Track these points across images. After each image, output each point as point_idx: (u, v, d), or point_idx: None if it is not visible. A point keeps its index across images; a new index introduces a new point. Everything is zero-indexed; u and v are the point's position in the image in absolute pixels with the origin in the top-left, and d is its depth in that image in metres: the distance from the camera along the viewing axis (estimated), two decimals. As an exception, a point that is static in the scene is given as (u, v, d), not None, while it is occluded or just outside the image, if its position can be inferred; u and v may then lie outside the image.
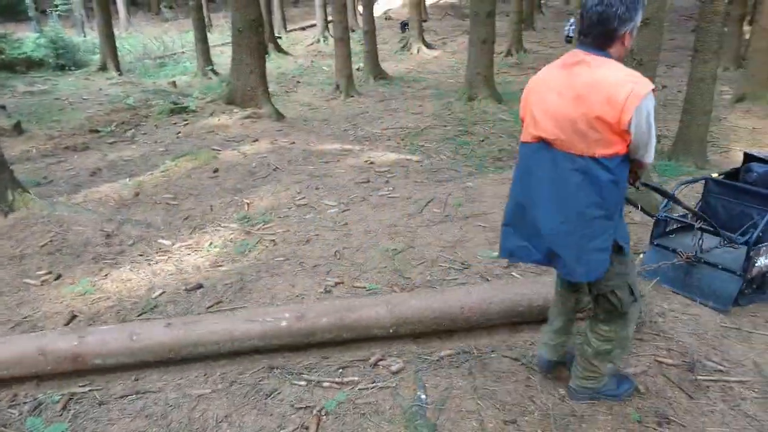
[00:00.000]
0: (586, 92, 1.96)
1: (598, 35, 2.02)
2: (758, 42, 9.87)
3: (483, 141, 8.21)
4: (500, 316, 2.99)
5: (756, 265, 3.16)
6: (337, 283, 3.55)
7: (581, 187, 2.02)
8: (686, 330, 2.99)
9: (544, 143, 2.10)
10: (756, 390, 2.57)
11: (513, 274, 3.58)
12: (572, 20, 17.34)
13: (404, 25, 19.17)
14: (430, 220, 4.35)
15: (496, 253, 3.87)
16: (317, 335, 2.80)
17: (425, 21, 21.97)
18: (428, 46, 17.54)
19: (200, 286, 3.56)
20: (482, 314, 2.95)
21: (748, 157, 3.77)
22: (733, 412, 2.45)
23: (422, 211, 4.50)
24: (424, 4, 23.18)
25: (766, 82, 10.01)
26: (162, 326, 2.72)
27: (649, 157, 2.07)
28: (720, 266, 3.25)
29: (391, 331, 2.86)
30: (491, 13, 9.92)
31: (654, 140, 2.02)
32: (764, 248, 3.16)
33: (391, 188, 5.16)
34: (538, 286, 3.07)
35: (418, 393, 2.51)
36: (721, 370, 2.71)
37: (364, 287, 3.46)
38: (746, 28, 14.52)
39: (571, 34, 17.12)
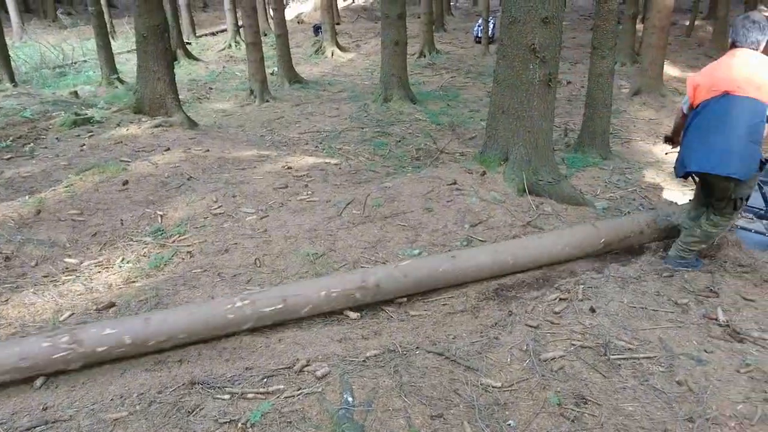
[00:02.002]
0: None
1: None
2: (650, 38, 10.52)
3: (400, 141, 8.30)
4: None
5: None
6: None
7: None
8: (599, 313, 3.14)
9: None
10: (662, 364, 2.73)
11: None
12: (480, 21, 17.87)
13: (317, 29, 19.07)
14: (351, 222, 4.35)
15: (417, 251, 3.93)
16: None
17: (338, 24, 21.96)
18: (342, 48, 17.55)
19: (112, 305, 3.40)
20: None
21: None
22: (643, 386, 2.59)
23: (342, 213, 4.50)
24: (336, 7, 23.18)
25: (658, 76, 10.70)
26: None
27: None
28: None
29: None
30: (402, 15, 10.04)
31: None
32: None
33: (310, 192, 5.12)
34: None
35: (345, 396, 2.50)
36: (630, 349, 2.86)
37: (286, 294, 3.41)
38: (639, 26, 15.47)
39: (479, 35, 17.64)
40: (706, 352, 2.81)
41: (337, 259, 3.85)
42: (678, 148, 3.69)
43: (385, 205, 4.56)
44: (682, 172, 3.56)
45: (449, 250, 3.85)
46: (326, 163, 6.37)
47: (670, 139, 4.00)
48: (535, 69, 4.67)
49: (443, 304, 3.36)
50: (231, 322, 2.96)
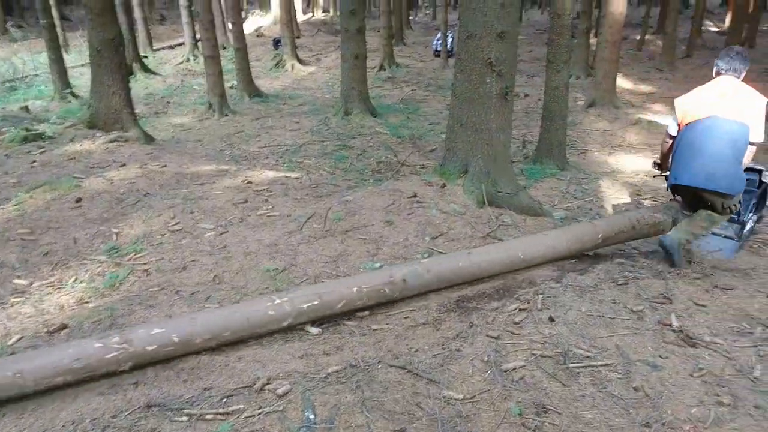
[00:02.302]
0: None
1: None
2: (602, 52, 10.83)
3: (361, 154, 8.30)
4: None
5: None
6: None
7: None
8: (558, 322, 3.19)
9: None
10: (619, 371, 2.79)
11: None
12: (439, 35, 18.13)
13: (277, 42, 19.01)
14: (311, 237, 4.32)
15: (378, 264, 3.93)
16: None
17: (298, 38, 21.96)
18: (302, 62, 17.53)
19: (65, 327, 3.29)
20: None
21: None
22: (602, 393, 2.64)
23: (302, 227, 4.46)
24: (296, 20, 23.20)
25: (612, 89, 11.01)
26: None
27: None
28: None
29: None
30: (361, 30, 10.09)
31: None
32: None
33: (270, 207, 5.07)
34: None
35: (306, 413, 2.47)
36: (589, 357, 2.91)
37: (246, 311, 3.36)
38: (593, 40, 15.92)
39: (438, 49, 17.88)
40: (661, 357, 2.88)
41: (298, 274, 3.82)
42: (667, 173, 4.16)
43: (346, 219, 4.55)
44: (672, 181, 3.98)
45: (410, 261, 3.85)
46: (287, 177, 6.32)
47: (658, 165, 4.43)
48: (492, 83, 4.75)
49: (405, 317, 3.35)
50: (272, 319, 3.09)
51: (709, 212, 3.94)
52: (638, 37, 20.65)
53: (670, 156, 4.10)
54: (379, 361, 2.91)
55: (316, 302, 3.17)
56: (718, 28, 25.66)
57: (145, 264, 4.08)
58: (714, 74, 3.95)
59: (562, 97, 7.29)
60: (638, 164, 7.98)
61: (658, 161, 4.39)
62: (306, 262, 3.95)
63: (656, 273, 3.88)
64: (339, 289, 3.27)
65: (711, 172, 3.71)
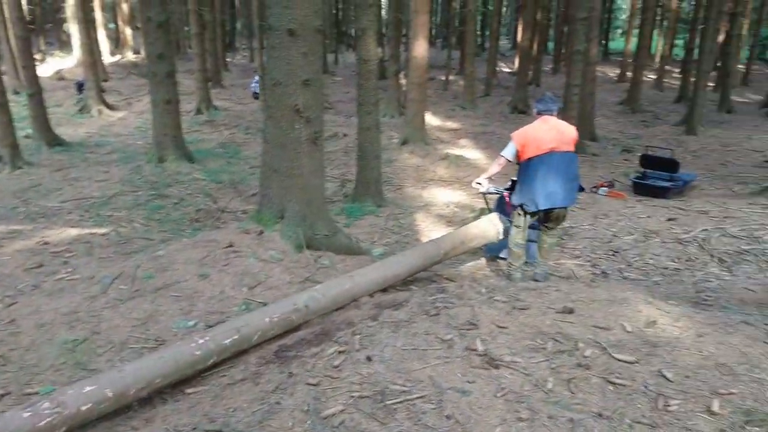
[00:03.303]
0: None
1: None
2: (411, 93, 11.63)
3: (178, 203, 7.95)
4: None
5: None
6: (2, 395, 3.00)
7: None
8: (375, 360, 3.26)
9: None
10: (432, 401, 2.91)
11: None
12: (257, 77, 18.13)
13: (80, 86, 17.61)
14: (117, 299, 4.00)
15: (192, 322, 3.74)
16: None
17: (105, 81, 20.64)
18: (111, 107, 16.45)
19: None
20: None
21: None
22: (417, 426, 2.73)
23: (108, 290, 4.12)
24: (102, 63, 21.79)
25: (422, 127, 11.82)
26: None
27: None
28: None
29: None
30: (171, 73, 9.76)
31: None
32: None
33: (70, 270, 4.62)
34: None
35: (108, 502, 2.24)
36: (405, 391, 3.00)
37: (37, 392, 3.00)
38: (403, 81, 17.00)
39: (257, 91, 17.86)
40: (469, 382, 3.06)
41: (101, 342, 3.50)
42: (485, 186, 5.18)
43: (158, 276, 4.29)
44: (533, 208, 4.79)
45: (227, 317, 3.73)
46: (92, 234, 5.84)
47: (486, 179, 5.23)
48: (301, 128, 4.84)
49: (222, 376, 3.22)
50: (199, 358, 3.15)
51: (549, 234, 5.16)
52: (443, 78, 22.46)
53: (518, 178, 4.95)
54: (194, 428, 2.75)
55: (236, 337, 3.31)
56: (510, 69, 28.86)
57: None
58: (536, 114, 4.86)
59: (375, 137, 7.65)
60: (449, 196, 8.60)
61: (482, 179, 5.16)
62: (111, 329, 3.64)
63: (464, 301, 4.15)
64: (253, 321, 3.47)
65: (562, 193, 4.72)
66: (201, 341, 3.19)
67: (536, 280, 5.00)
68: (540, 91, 19.23)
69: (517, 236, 5.03)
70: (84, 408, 2.69)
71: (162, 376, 3.00)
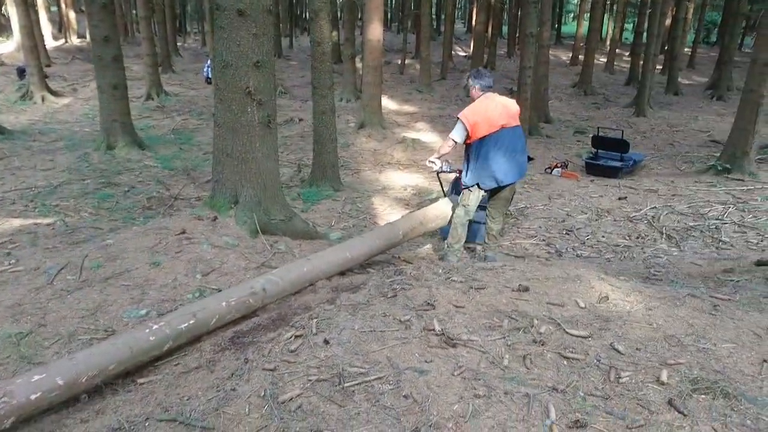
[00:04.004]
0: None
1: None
2: (366, 77, 11.54)
3: (129, 191, 7.71)
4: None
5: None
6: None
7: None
8: (333, 343, 3.24)
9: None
10: (390, 382, 2.90)
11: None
12: (209, 62, 17.70)
13: (21, 72, 16.83)
14: (64, 290, 3.85)
15: (144, 311, 3.64)
16: None
17: (48, 66, 19.81)
18: (55, 93, 15.80)
19: None
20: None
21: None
22: (375, 408, 2.72)
23: (53, 281, 3.97)
24: (45, 47, 20.88)
25: (378, 111, 11.77)
26: None
27: None
28: None
29: None
30: (117, 57, 9.41)
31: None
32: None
33: (13, 261, 4.44)
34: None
35: (56, 497, 2.17)
36: (363, 373, 2.99)
37: (-21, 389, 2.86)
38: (359, 65, 16.87)
39: (210, 76, 17.45)
40: (427, 362, 3.08)
41: (48, 335, 3.37)
42: (438, 164, 5.18)
43: (106, 265, 4.15)
44: (494, 184, 4.84)
45: (180, 305, 3.64)
46: (36, 224, 5.62)
47: (437, 158, 5.23)
48: (253, 112, 4.73)
49: (176, 365, 3.14)
50: (154, 344, 3.08)
51: (493, 215, 5.20)
52: (399, 62, 22.40)
53: (470, 157, 4.88)
54: (147, 418, 2.67)
55: (192, 321, 3.24)
56: (465, 53, 28.99)
57: None
58: (478, 91, 4.76)
59: (330, 120, 7.57)
60: (406, 180, 8.60)
61: (435, 159, 5.15)
62: (58, 320, 3.51)
63: (422, 282, 4.16)
64: (210, 305, 3.40)
65: (518, 168, 4.83)
66: (155, 327, 3.11)
67: (488, 260, 5.05)
68: (495, 75, 19.35)
69: (464, 217, 5.02)
70: (33, 397, 2.60)
71: (116, 362, 2.91)
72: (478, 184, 4.86)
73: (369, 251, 4.67)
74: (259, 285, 3.70)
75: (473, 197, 4.94)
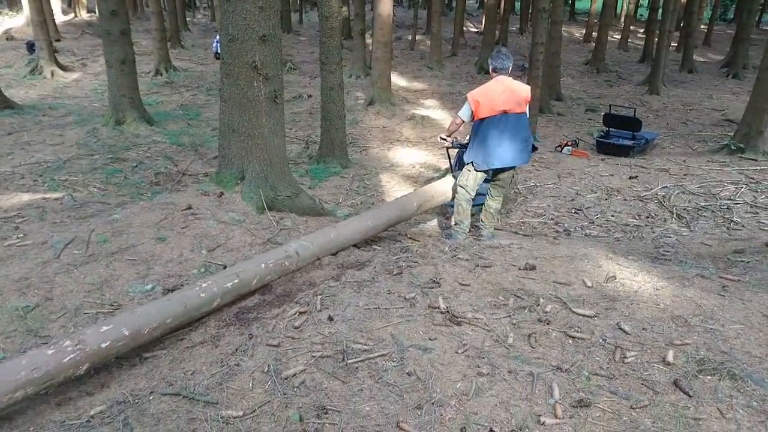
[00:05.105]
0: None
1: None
2: (376, 53, 11.39)
3: (137, 166, 7.71)
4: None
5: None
6: (-51, 365, 2.89)
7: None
8: (337, 320, 3.24)
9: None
10: (394, 359, 2.90)
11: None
12: (219, 37, 17.57)
13: (31, 46, 16.77)
14: (71, 264, 3.87)
15: (149, 286, 3.65)
16: None
17: (58, 41, 19.76)
18: (64, 68, 15.76)
19: None
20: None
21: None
22: (378, 384, 2.72)
23: (60, 255, 3.98)
24: (54, 22, 20.81)
25: (387, 87, 11.64)
26: None
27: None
28: None
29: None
30: (126, 32, 9.34)
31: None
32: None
33: (21, 235, 4.45)
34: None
35: (61, 469, 2.19)
36: (366, 350, 2.99)
37: (-14, 361, 2.90)
38: (369, 41, 16.69)
39: (218, 51, 17.32)
40: (431, 339, 3.07)
41: (54, 309, 3.39)
42: (449, 140, 5.33)
43: (113, 240, 4.16)
44: (485, 167, 4.83)
45: (186, 281, 3.65)
46: (45, 199, 5.63)
47: (443, 138, 5.35)
48: (259, 86, 4.69)
49: (180, 339, 3.16)
50: (204, 300, 3.27)
51: (494, 194, 5.13)
52: (410, 38, 22.13)
53: (470, 136, 4.96)
54: (152, 392, 2.69)
55: (236, 281, 3.45)
56: (477, 29, 28.60)
57: None
58: (491, 72, 4.75)
59: (338, 96, 7.50)
60: (414, 157, 8.54)
61: (445, 135, 5.28)
62: (64, 294, 3.53)
63: (428, 260, 4.14)
64: (251, 267, 3.62)
65: (515, 153, 4.77)
66: (205, 284, 3.30)
67: (483, 239, 5.07)
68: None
69: (465, 194, 5.01)
70: (104, 345, 2.75)
71: (173, 316, 3.09)
72: (472, 163, 4.88)
73: (388, 221, 4.89)
74: (292, 249, 3.92)
75: (471, 178, 4.95)
